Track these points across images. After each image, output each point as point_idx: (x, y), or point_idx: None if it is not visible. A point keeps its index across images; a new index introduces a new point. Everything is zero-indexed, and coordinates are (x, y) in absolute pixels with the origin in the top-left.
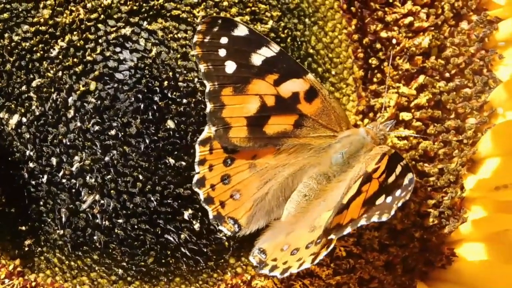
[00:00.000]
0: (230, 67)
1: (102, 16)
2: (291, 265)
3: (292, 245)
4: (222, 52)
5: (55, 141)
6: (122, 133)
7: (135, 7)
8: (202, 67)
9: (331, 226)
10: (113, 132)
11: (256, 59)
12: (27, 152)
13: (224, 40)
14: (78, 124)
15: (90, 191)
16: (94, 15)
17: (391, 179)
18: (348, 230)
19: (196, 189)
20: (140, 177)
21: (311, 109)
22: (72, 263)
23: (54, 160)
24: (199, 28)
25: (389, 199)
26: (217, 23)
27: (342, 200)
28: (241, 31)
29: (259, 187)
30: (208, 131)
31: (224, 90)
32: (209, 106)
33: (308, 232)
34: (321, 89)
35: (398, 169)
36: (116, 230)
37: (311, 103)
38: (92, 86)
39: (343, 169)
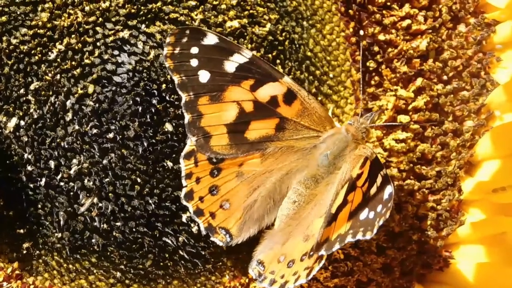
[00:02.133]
0: (204, 76)
1: (100, 19)
2: (288, 280)
3: (288, 256)
4: (194, 62)
5: (53, 144)
6: (120, 136)
7: (133, 10)
8: (176, 78)
9: (321, 239)
10: (111, 135)
11: (230, 66)
12: (25, 155)
13: (194, 50)
14: (76, 127)
15: (88, 194)
16: (92, 18)
17: (373, 190)
18: (336, 247)
19: (185, 203)
20: (138, 180)
21: (292, 112)
22: (70, 266)
23: (52, 163)
24: (168, 40)
25: (371, 214)
26: (185, 34)
27: (331, 209)
28: (211, 39)
29: (248, 195)
30: (191, 144)
31: (200, 99)
32: (187, 117)
33: (302, 241)
34: (299, 90)
35: (379, 179)
36: (114, 233)
37: (290, 105)
38: (90, 89)
39: (330, 171)
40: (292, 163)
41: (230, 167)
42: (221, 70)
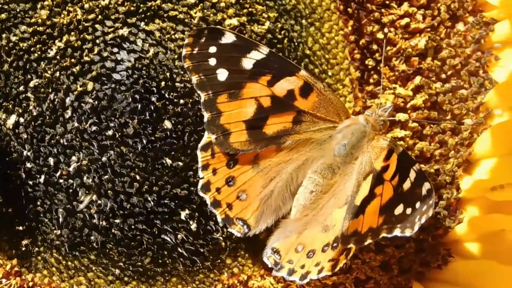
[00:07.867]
0: (222, 74)
1: (99, 16)
2: (310, 270)
3: (307, 246)
4: (212, 61)
5: (52, 141)
6: (119, 134)
7: (132, 8)
8: (194, 78)
9: (348, 232)
10: (110, 132)
11: (247, 63)
12: (25, 152)
13: (212, 49)
14: (76, 124)
15: (87, 191)
16: (91, 16)
17: (407, 185)
18: (368, 241)
19: (202, 194)
20: (137, 177)
21: (308, 104)
22: (69, 263)
23: (51, 160)
24: (186, 41)
25: (409, 210)
26: (203, 34)
27: (355, 201)
28: (228, 38)
29: (265, 186)
30: (208, 136)
31: (219, 97)
32: (206, 115)
33: (321, 232)
34: (315, 83)
35: (412, 174)
36: (113, 230)
37: (307, 98)
38: (90, 86)
39: (347, 161)
40: (308, 153)
41: (247, 158)
42: (239, 68)
